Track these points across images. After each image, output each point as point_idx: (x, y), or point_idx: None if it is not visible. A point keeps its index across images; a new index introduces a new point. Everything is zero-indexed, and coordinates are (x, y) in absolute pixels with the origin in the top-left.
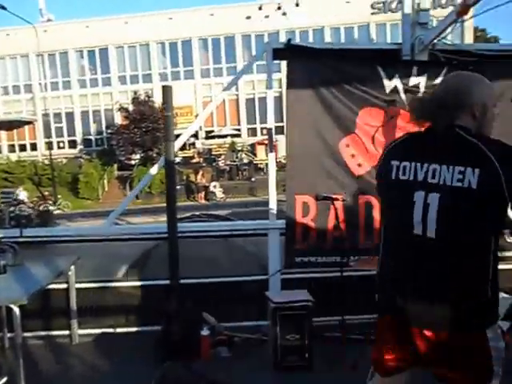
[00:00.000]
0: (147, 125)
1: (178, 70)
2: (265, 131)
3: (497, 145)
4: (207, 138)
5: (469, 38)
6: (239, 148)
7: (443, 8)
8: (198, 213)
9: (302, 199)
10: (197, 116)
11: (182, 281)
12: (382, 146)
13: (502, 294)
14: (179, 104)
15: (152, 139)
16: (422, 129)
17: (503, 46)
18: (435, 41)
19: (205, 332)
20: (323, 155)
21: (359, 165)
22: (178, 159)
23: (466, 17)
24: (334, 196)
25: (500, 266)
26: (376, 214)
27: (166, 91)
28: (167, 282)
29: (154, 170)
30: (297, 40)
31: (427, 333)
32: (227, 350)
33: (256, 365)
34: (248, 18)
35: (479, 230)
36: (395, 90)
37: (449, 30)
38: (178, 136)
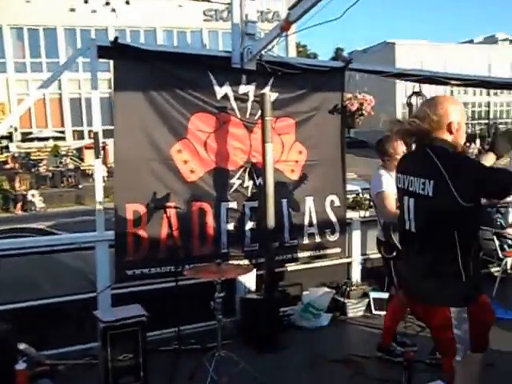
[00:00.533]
0: None
1: None
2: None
3: (451, 161)
4: (24, 140)
5: (292, 53)
6: (63, 152)
7: (269, 22)
8: (7, 227)
9: (132, 208)
10: None
11: None
12: (215, 151)
13: (324, 289)
14: None
15: None
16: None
17: (321, 61)
18: (262, 52)
19: (20, 365)
20: (154, 161)
21: (192, 171)
22: None
23: (288, 32)
24: (166, 204)
25: (322, 263)
26: (209, 220)
27: None
28: None
29: None
30: (127, 39)
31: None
32: (49, 381)
33: None
34: (72, 10)
35: (441, 226)
36: (226, 97)
37: (274, 42)
38: None
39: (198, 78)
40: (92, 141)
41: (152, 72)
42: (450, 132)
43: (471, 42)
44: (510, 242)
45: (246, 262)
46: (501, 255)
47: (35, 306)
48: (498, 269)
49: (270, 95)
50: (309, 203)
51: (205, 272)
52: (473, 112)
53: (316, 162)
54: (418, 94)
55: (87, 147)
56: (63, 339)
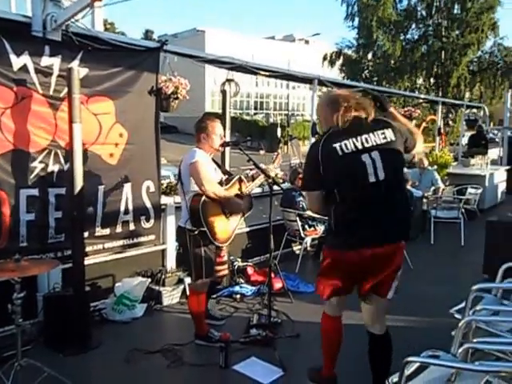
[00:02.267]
0: None
1: None
2: None
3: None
4: None
5: (99, 29)
6: None
7: None
8: None
9: None
10: None
11: None
12: (11, 131)
13: (138, 278)
14: None
15: None
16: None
17: (135, 40)
18: (70, 23)
19: None
20: None
21: None
22: None
23: (99, 4)
24: None
25: (135, 251)
26: (5, 210)
27: None
28: None
29: None
30: None
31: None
32: None
33: None
34: None
35: (401, 167)
36: (25, 69)
37: (83, 13)
38: None
39: None
40: None
41: None
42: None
43: (273, 38)
44: (310, 222)
45: (51, 255)
46: (302, 235)
47: None
48: (299, 247)
49: (79, 70)
50: (126, 189)
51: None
52: (274, 103)
53: (135, 146)
54: (230, 81)
55: None
56: None
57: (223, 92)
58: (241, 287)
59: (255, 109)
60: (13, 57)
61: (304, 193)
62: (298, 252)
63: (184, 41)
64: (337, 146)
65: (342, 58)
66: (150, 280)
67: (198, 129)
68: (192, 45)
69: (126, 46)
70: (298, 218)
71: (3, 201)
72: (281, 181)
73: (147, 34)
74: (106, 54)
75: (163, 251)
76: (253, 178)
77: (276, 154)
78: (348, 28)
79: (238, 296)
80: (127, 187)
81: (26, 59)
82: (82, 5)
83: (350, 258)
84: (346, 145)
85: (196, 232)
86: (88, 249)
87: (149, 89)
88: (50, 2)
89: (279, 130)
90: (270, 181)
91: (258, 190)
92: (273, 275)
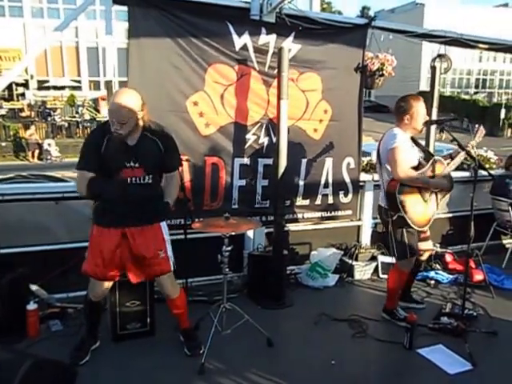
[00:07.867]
0: None
1: (1, 4)
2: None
3: None
4: (40, 88)
5: (316, 9)
6: (80, 102)
7: None
8: (24, 173)
9: None
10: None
11: (1, 251)
12: (231, 105)
13: (332, 249)
14: (3, 46)
15: None
16: None
17: (343, 17)
18: (283, 5)
19: (31, 306)
20: (169, 113)
21: (207, 124)
22: (2, 111)
23: None
24: None
25: (332, 224)
26: (222, 175)
27: None
28: None
29: None
30: None
31: None
32: (60, 323)
33: None
34: None
35: None
36: (245, 48)
37: None
38: None
39: (215, 27)
40: None
41: (168, 20)
42: None
43: (506, 5)
44: None
45: (257, 218)
46: None
47: (46, 251)
48: (510, 241)
49: (290, 49)
50: (328, 164)
51: (213, 226)
52: (501, 80)
53: (337, 123)
54: (442, 56)
55: (103, 98)
56: (73, 284)
57: (433, 68)
58: (436, 273)
59: (476, 87)
60: (235, 37)
61: None
62: (508, 246)
63: (401, 15)
64: None
65: None
66: (343, 253)
67: (399, 109)
68: (410, 19)
69: (334, 24)
70: (510, 208)
71: (221, 167)
72: (494, 166)
73: (363, 11)
74: (316, 32)
75: (359, 227)
76: (451, 157)
77: (477, 127)
78: None
79: (432, 282)
80: (328, 162)
81: (246, 39)
82: None
83: None
84: None
85: (395, 217)
86: (289, 216)
87: (354, 66)
88: None
89: (503, 112)
90: (474, 165)
91: (466, 174)
92: (474, 266)
